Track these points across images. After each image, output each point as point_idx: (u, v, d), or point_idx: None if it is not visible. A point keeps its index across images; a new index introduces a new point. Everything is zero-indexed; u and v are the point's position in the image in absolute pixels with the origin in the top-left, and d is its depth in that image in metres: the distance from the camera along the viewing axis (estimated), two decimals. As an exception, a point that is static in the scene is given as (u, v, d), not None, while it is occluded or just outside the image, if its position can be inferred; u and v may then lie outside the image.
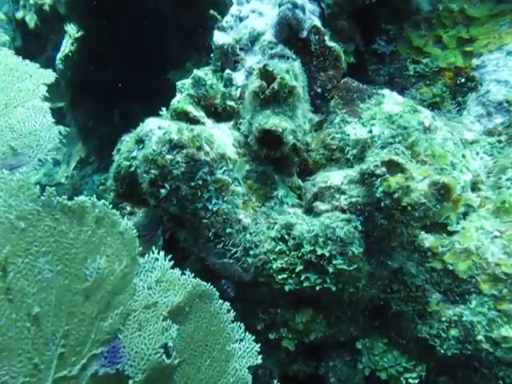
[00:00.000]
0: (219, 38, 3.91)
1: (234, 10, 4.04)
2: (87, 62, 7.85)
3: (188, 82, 4.00)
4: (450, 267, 3.08)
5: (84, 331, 2.33)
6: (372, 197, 2.97)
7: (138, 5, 6.49)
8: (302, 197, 3.53)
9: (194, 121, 3.67)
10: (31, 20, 8.20)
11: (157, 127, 2.94)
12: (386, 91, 3.84)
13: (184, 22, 5.71)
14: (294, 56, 3.58)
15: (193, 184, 2.91)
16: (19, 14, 8.31)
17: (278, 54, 3.59)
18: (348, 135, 3.64)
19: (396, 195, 2.86)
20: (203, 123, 3.85)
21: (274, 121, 3.19)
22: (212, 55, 3.90)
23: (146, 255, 2.71)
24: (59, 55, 8.22)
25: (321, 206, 3.17)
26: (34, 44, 8.46)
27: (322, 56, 3.85)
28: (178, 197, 2.91)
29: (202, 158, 2.93)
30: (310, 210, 3.36)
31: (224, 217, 3.05)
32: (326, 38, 3.83)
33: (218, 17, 4.22)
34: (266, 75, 3.24)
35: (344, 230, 3.01)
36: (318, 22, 3.80)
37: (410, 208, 2.87)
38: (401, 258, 3.13)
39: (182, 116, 3.70)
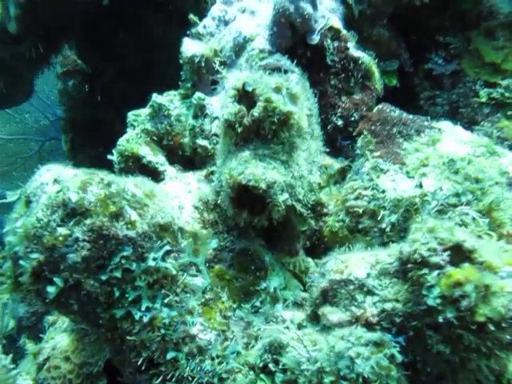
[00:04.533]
0: (190, 47, 2.77)
1: (216, 10, 3.02)
2: (90, 101, 6.95)
3: (145, 112, 3.11)
4: None
5: None
6: (421, 303, 2.06)
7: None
8: (307, 291, 2.68)
9: (149, 169, 2.98)
10: None
11: (51, 180, 2.16)
12: (444, 124, 3.02)
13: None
14: (293, 68, 2.81)
15: (104, 278, 2.07)
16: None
17: (271, 65, 2.78)
18: (383, 192, 2.73)
19: (465, 303, 1.93)
20: (161, 172, 2.97)
21: (253, 169, 2.31)
22: (182, 73, 3.18)
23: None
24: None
25: (331, 314, 2.27)
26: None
27: (343, 72, 3.03)
28: (81, 299, 2.08)
29: (118, 232, 2.08)
30: (315, 317, 2.43)
31: (164, 331, 2.15)
32: (350, 45, 3.04)
33: (198, 21, 3.00)
34: (246, 97, 2.41)
35: (371, 362, 1.99)
36: (336, 22, 3.05)
37: (491, 326, 1.92)
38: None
39: (132, 162, 3.02)
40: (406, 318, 2.11)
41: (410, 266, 2.11)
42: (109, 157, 3.08)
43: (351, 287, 2.27)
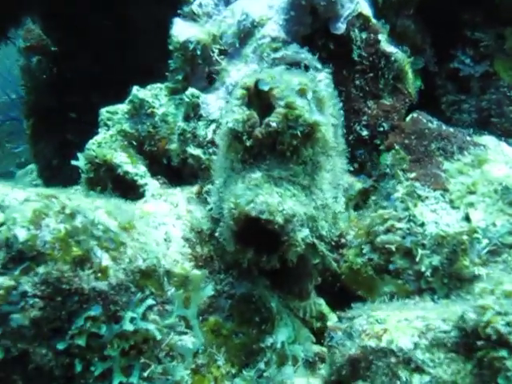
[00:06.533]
0: (183, 31, 2.28)
1: (215, -15, 2.35)
2: (57, 84, 6.41)
3: (122, 108, 2.63)
4: None
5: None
6: None
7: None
8: (323, 344, 2.22)
9: (126, 182, 2.48)
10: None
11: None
12: (488, 139, 2.64)
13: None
14: (319, 65, 2.38)
15: (61, 347, 1.59)
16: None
17: (289, 59, 2.34)
18: (422, 225, 2.30)
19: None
20: (141, 186, 2.47)
21: (267, 197, 1.84)
22: (170, 62, 2.66)
23: None
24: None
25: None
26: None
27: (372, 70, 2.63)
28: (28, 374, 1.59)
29: (84, 285, 1.59)
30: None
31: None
32: (382, 37, 2.63)
33: None
34: (259, 100, 1.96)
35: None
36: (366, 9, 2.60)
37: None
38: None
39: (103, 171, 2.49)
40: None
41: (479, 342, 1.62)
42: (73, 163, 2.53)
43: (393, 360, 1.83)
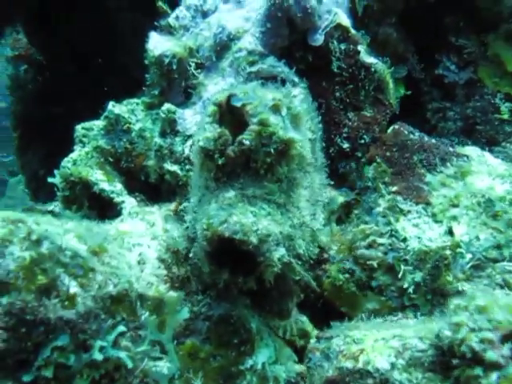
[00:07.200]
0: (158, 44, 2.21)
1: (192, -2, 2.31)
2: (43, 93, 6.34)
3: (98, 124, 2.57)
4: None
5: None
6: None
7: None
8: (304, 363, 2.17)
9: (102, 199, 2.43)
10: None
11: None
12: (470, 150, 2.61)
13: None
14: (296, 79, 2.37)
15: (27, 379, 1.51)
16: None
17: (265, 73, 2.31)
18: (404, 240, 2.25)
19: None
20: (118, 204, 2.40)
21: (241, 217, 1.78)
22: (147, 76, 2.63)
23: None
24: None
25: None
26: None
27: (352, 82, 2.57)
28: None
29: (50, 314, 1.53)
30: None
31: None
32: (361, 48, 2.59)
33: (169, 10, 2.43)
34: (231, 116, 1.90)
35: None
36: (344, 19, 2.57)
37: None
38: None
39: (79, 189, 2.44)
40: None
41: (454, 361, 1.59)
42: (50, 180, 2.48)
43: (370, 382, 1.80)
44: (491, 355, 1.54)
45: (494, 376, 1.52)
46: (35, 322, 1.50)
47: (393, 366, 1.78)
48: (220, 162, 1.87)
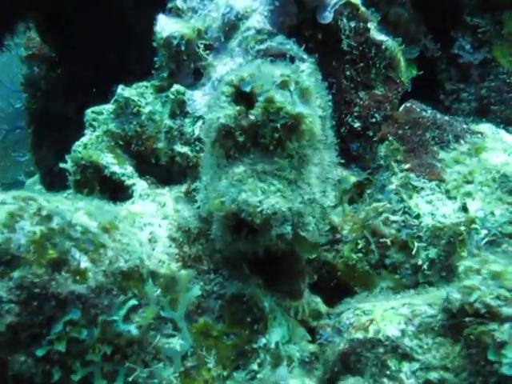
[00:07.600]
0: (166, 27, 2.23)
1: (199, -21, 2.32)
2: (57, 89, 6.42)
3: (108, 108, 2.56)
4: None
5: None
6: (483, 373, 1.57)
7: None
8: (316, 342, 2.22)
9: (113, 182, 2.43)
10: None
11: None
12: (485, 127, 2.58)
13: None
14: (305, 56, 2.36)
15: (41, 353, 1.54)
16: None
17: (274, 51, 2.29)
18: (418, 217, 2.25)
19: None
20: (129, 187, 2.40)
21: (249, 195, 1.79)
22: (156, 59, 2.62)
23: None
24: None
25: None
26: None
27: (362, 60, 2.56)
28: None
29: (61, 289, 1.54)
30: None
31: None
32: (371, 26, 2.55)
33: None
34: (243, 96, 1.90)
35: None
36: None
37: None
38: None
39: (90, 173, 2.45)
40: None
41: (466, 319, 1.59)
42: (61, 165, 2.50)
43: (381, 350, 1.81)
44: (508, 310, 1.53)
45: (506, 326, 1.52)
46: (46, 296, 1.52)
47: (403, 332, 1.79)
48: (232, 140, 1.88)
